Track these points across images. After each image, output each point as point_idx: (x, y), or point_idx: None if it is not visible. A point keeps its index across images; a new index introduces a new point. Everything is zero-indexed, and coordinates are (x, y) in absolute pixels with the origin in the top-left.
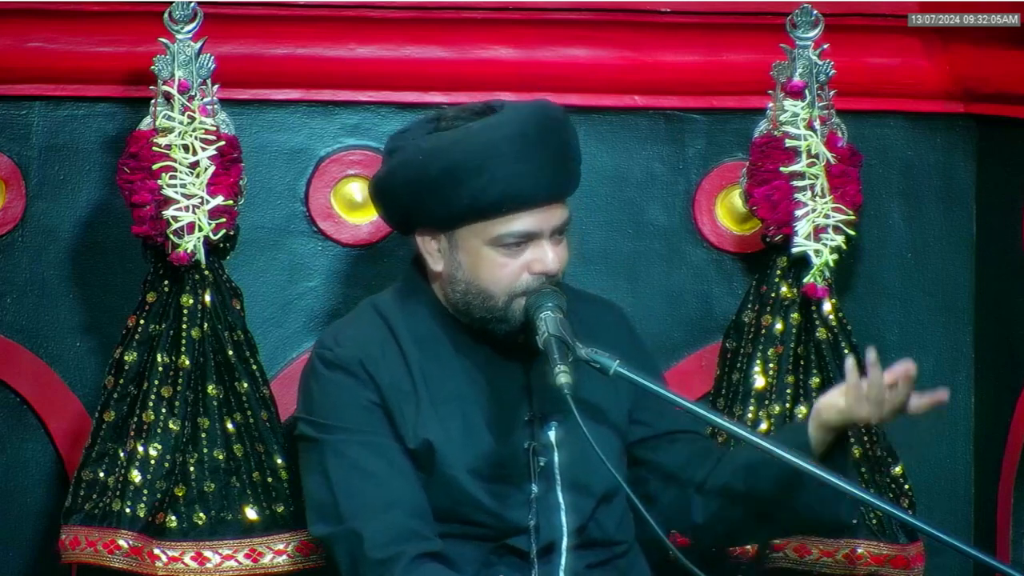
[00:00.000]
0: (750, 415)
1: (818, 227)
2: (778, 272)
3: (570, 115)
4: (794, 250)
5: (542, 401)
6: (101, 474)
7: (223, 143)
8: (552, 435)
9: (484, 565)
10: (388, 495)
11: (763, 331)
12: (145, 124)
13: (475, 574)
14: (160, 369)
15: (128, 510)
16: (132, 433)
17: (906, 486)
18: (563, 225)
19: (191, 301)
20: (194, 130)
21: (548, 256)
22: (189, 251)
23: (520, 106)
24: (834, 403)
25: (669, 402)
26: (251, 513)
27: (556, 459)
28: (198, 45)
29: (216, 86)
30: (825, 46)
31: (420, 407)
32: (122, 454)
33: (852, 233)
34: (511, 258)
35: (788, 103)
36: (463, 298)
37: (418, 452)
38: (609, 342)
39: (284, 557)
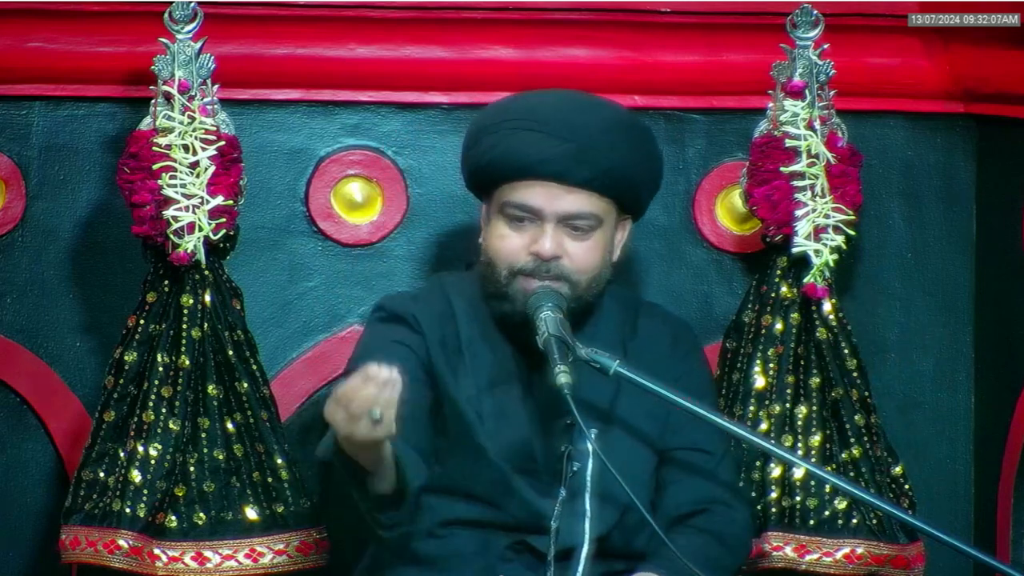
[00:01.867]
0: (750, 415)
1: (818, 227)
2: (778, 272)
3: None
4: (794, 250)
5: (585, 408)
6: (101, 474)
7: (223, 143)
8: (590, 443)
9: (501, 559)
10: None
11: (763, 331)
12: (145, 124)
13: (489, 565)
14: (160, 369)
15: (128, 510)
16: (132, 433)
17: (906, 486)
18: (574, 216)
19: (191, 301)
20: (194, 130)
21: (546, 238)
22: (189, 251)
23: (565, 90)
24: None
25: (671, 404)
26: (251, 513)
27: (590, 467)
28: (198, 45)
29: (216, 86)
30: (825, 46)
31: (463, 384)
32: (122, 454)
33: (852, 233)
34: (514, 231)
35: (788, 103)
36: (484, 270)
37: (447, 416)
38: (653, 357)
39: (284, 557)
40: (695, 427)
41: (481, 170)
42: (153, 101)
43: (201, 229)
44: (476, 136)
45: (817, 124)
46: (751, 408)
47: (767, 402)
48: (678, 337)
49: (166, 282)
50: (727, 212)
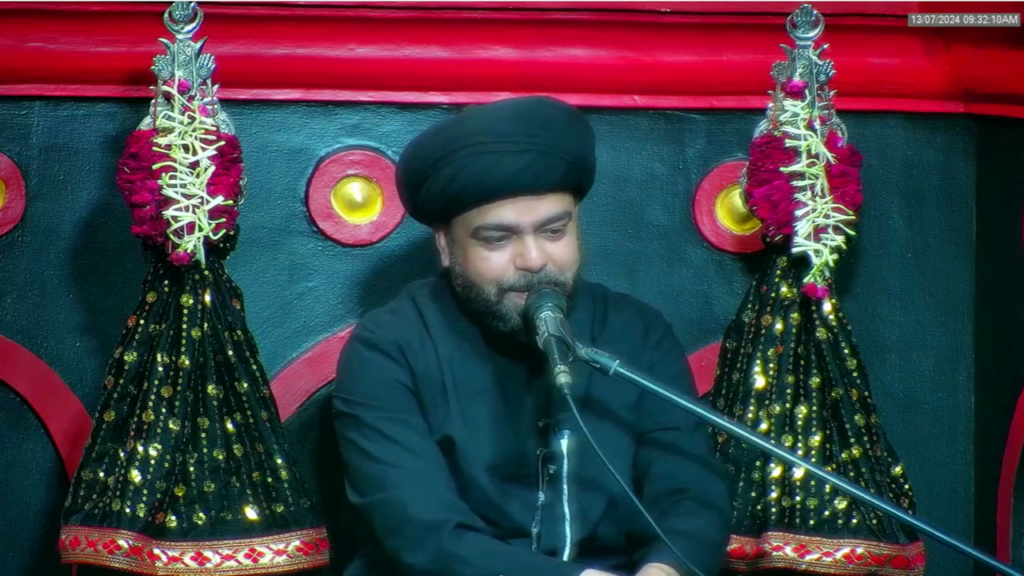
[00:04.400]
0: (750, 415)
1: (818, 227)
2: (778, 272)
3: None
4: (794, 250)
5: (559, 408)
6: (101, 474)
7: (223, 143)
8: (564, 443)
9: None
10: (428, 467)
11: (763, 331)
12: (145, 124)
13: None
14: (160, 369)
15: (128, 510)
16: (132, 433)
17: (906, 486)
18: (550, 220)
19: (191, 301)
20: (194, 130)
21: (530, 251)
22: (189, 251)
23: (504, 100)
24: None
25: (671, 403)
26: (251, 513)
27: (565, 468)
28: (198, 45)
29: (216, 86)
30: (825, 46)
31: (447, 401)
32: (122, 454)
33: (852, 233)
34: (493, 251)
35: (788, 103)
36: (463, 293)
37: (439, 445)
38: (626, 348)
39: (284, 557)
40: (667, 406)
41: (445, 200)
42: (153, 101)
43: (201, 229)
44: (427, 168)
45: (817, 124)
46: (751, 408)
47: (767, 402)
48: (650, 326)
49: (166, 282)
50: (727, 212)
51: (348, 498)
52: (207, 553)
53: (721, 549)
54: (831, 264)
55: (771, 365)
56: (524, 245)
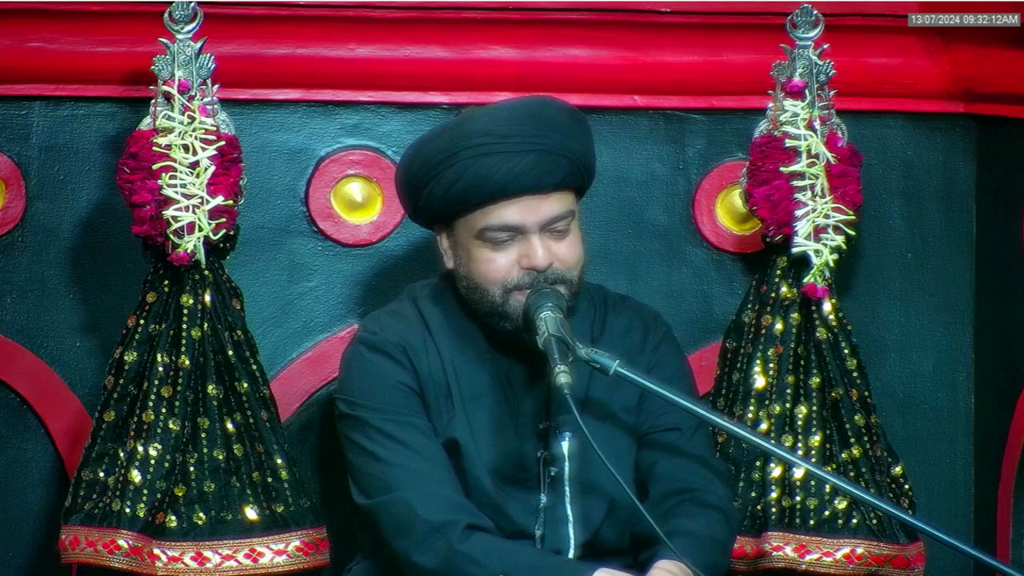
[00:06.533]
0: (750, 415)
1: (818, 227)
2: (778, 272)
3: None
4: (794, 250)
5: (559, 410)
6: (101, 474)
7: (223, 143)
8: (565, 446)
9: None
10: (435, 469)
11: (763, 331)
12: (145, 124)
13: None
14: (160, 369)
15: (128, 510)
16: (132, 433)
17: (906, 486)
18: (555, 220)
19: (191, 301)
20: (194, 130)
21: (536, 251)
22: (189, 251)
23: (506, 101)
24: None
25: (670, 403)
26: (251, 513)
27: (567, 470)
28: (198, 45)
29: (216, 86)
30: (825, 46)
31: (452, 403)
32: (122, 454)
33: (852, 233)
34: (498, 252)
35: (788, 103)
36: (467, 294)
37: (444, 448)
38: (625, 350)
39: (284, 557)
40: (667, 408)
41: (448, 202)
42: (153, 101)
43: (201, 229)
44: (429, 171)
45: (817, 124)
46: (751, 408)
47: (767, 402)
48: (649, 328)
49: (166, 282)
50: (727, 212)
51: (353, 499)
52: (207, 553)
53: (728, 548)
54: (831, 264)
55: (771, 365)
56: (529, 245)
